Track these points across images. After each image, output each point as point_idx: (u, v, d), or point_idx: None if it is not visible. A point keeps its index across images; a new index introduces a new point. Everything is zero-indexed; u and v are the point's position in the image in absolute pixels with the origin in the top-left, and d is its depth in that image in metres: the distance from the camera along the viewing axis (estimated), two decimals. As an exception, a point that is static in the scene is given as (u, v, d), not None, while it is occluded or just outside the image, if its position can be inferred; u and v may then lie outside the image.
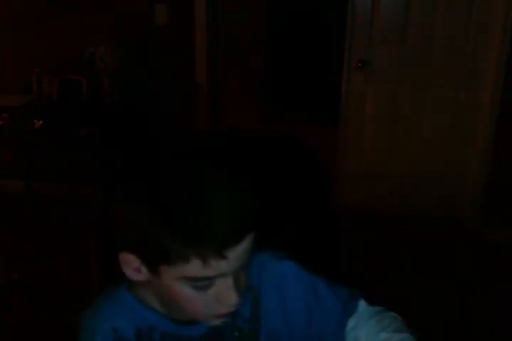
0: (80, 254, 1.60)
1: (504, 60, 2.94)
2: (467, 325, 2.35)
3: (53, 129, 3.42)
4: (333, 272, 1.06)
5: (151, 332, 0.90)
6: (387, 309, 1.01)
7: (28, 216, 3.41)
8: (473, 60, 3.08)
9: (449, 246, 3.08)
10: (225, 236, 0.76)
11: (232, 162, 0.82)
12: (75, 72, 3.31)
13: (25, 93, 3.39)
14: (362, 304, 0.99)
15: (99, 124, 3.28)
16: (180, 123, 3.40)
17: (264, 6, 4.67)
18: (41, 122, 3.38)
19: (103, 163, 3.20)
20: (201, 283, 0.79)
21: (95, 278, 1.16)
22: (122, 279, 0.90)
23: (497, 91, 3.01)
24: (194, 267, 0.76)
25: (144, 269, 0.82)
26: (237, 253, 0.77)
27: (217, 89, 3.53)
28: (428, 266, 2.84)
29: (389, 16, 3.12)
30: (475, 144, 3.20)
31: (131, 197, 0.79)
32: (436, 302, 2.51)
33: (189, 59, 3.30)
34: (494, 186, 3.15)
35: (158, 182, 0.78)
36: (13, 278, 2.68)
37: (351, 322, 0.96)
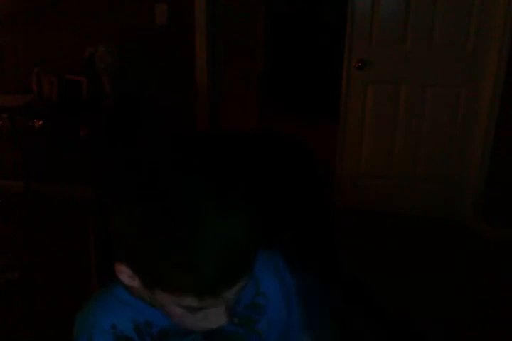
0: (79, 254, 1.60)
1: (504, 59, 2.94)
2: (467, 325, 2.35)
3: (53, 129, 3.42)
4: (331, 272, 1.06)
5: (150, 328, 0.91)
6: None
7: (28, 216, 3.41)
8: (473, 59, 3.08)
9: (449, 246, 3.08)
10: (222, 280, 0.75)
11: (230, 178, 0.80)
12: (75, 72, 3.31)
13: (25, 93, 3.39)
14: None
15: (99, 124, 3.28)
16: (180, 123, 3.40)
17: (264, 6, 4.67)
18: (41, 122, 3.37)
19: (103, 164, 3.20)
20: (193, 309, 0.79)
21: (95, 277, 1.16)
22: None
23: (497, 91, 3.00)
24: (189, 301, 0.77)
25: (137, 279, 0.82)
26: (234, 291, 0.78)
27: (217, 89, 3.53)
28: (428, 266, 2.84)
29: (389, 16, 3.12)
30: (475, 144, 3.20)
31: (130, 222, 0.77)
32: (436, 302, 2.51)
33: (189, 59, 3.30)
34: (494, 186, 3.15)
35: (156, 212, 0.75)
36: (13, 278, 2.68)
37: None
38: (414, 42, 3.12)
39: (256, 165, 1.22)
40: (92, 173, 3.12)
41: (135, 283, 0.83)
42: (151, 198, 0.76)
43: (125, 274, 0.84)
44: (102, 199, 1.12)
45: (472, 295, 2.59)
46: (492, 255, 2.97)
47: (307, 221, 1.24)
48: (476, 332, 2.31)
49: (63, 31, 3.37)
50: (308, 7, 5.61)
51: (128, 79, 3.35)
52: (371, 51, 3.17)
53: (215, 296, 0.76)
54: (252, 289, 0.97)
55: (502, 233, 3.11)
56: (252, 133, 1.27)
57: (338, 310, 1.10)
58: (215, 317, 0.82)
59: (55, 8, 3.34)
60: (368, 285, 1.35)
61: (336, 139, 3.45)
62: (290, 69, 5.68)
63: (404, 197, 3.41)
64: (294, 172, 1.25)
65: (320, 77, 5.39)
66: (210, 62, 3.34)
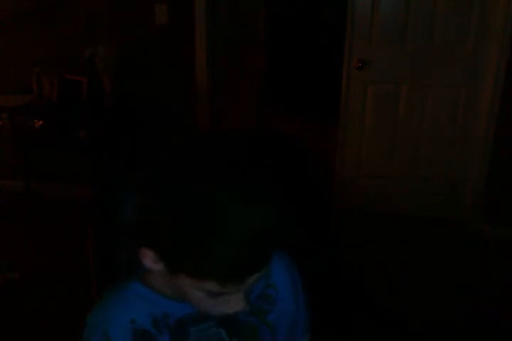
0: (79, 254, 1.60)
1: (504, 59, 2.94)
2: (467, 325, 2.35)
3: (53, 129, 3.42)
4: (332, 272, 1.06)
5: (167, 319, 0.92)
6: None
7: (28, 216, 3.41)
8: (473, 59, 3.08)
9: (449, 246, 3.08)
10: (245, 268, 0.77)
11: (252, 173, 0.81)
12: (75, 72, 3.31)
13: (25, 93, 3.39)
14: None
15: (99, 124, 3.28)
16: (180, 123, 3.40)
17: (264, 6, 4.67)
18: (41, 122, 3.37)
19: (103, 164, 3.20)
20: (214, 294, 0.81)
21: (95, 277, 1.16)
22: (120, 279, 0.90)
23: (497, 91, 3.01)
24: (212, 285, 0.78)
25: (161, 263, 0.83)
26: (255, 277, 0.80)
27: (217, 89, 3.53)
28: (428, 266, 2.84)
29: (389, 16, 3.12)
30: (475, 144, 3.20)
31: (158, 210, 0.78)
32: (436, 302, 2.51)
33: (189, 59, 3.30)
34: (494, 186, 3.15)
35: (183, 199, 0.76)
36: (13, 278, 2.68)
37: None
38: (414, 42, 3.12)
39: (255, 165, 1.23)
40: (92, 173, 3.13)
41: (158, 266, 0.84)
42: (178, 186, 0.78)
43: (148, 258, 0.84)
44: (110, 194, 1.12)
45: (472, 295, 2.59)
46: (492, 255, 2.97)
47: (307, 221, 1.24)
48: (476, 332, 2.31)
49: (63, 31, 3.37)
50: (308, 7, 5.61)
51: (128, 79, 3.35)
52: (371, 51, 3.17)
53: (237, 283, 0.78)
54: (263, 280, 0.99)
55: (502, 233, 3.11)
56: (251, 133, 1.28)
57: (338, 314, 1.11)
58: (234, 302, 0.84)
59: (55, 8, 3.34)
60: (368, 285, 1.35)
61: (336, 139, 3.45)
62: (290, 70, 5.68)
63: (404, 197, 3.41)
64: (293, 172, 1.26)
65: (320, 77, 5.39)
66: (210, 62, 3.34)
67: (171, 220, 0.76)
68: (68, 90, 3.29)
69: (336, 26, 4.36)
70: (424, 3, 3.06)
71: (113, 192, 1.11)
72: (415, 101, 3.24)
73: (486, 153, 3.14)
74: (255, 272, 0.79)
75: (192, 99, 3.38)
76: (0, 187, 3.66)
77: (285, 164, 1.23)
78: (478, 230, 3.18)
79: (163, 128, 3.40)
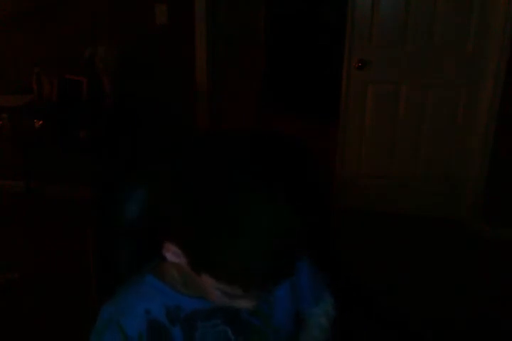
0: (79, 254, 1.60)
1: (504, 59, 2.94)
2: (467, 325, 2.35)
3: (53, 129, 3.42)
4: (332, 272, 1.06)
5: (179, 311, 0.93)
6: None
7: (28, 216, 3.41)
8: (473, 59, 3.08)
9: (449, 246, 3.08)
10: (271, 279, 0.78)
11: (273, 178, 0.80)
12: (75, 72, 3.31)
13: (25, 93, 3.39)
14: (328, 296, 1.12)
15: (99, 124, 3.28)
16: (180, 123, 3.40)
17: (264, 6, 4.67)
18: (41, 122, 3.37)
19: (103, 164, 3.20)
20: (234, 296, 0.83)
21: (95, 277, 1.16)
22: (120, 279, 0.90)
23: (497, 91, 3.01)
24: (235, 290, 0.79)
25: (183, 259, 0.83)
26: (278, 285, 0.82)
27: (217, 89, 3.53)
28: (428, 266, 2.84)
29: (389, 16, 3.12)
30: (475, 144, 3.20)
31: (190, 211, 0.78)
32: (436, 302, 2.51)
33: (189, 59, 3.30)
34: (494, 186, 3.15)
35: (214, 200, 0.76)
36: (13, 278, 2.68)
37: (318, 309, 1.10)
38: (414, 42, 3.12)
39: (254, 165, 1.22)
40: (92, 173, 3.12)
41: (179, 259, 0.84)
42: (207, 186, 0.78)
43: (171, 252, 0.85)
44: (106, 196, 1.12)
45: (472, 295, 2.58)
46: (492, 255, 2.97)
47: (306, 221, 1.24)
48: (476, 332, 2.31)
49: (63, 31, 3.37)
50: (308, 7, 5.61)
51: (128, 79, 3.35)
52: (371, 51, 3.17)
53: (262, 289, 0.80)
54: None
55: (502, 233, 3.11)
56: (251, 133, 1.27)
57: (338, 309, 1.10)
58: (247, 302, 0.85)
59: (55, 8, 3.34)
60: (367, 285, 1.35)
61: (336, 139, 3.45)
62: (290, 69, 5.68)
63: (404, 197, 3.41)
64: (293, 172, 1.25)
65: (320, 77, 5.39)
66: (210, 62, 3.34)
67: (203, 226, 0.76)
68: (68, 90, 3.29)
69: (336, 26, 4.36)
70: (424, 3, 3.06)
71: (113, 192, 1.11)
72: (415, 101, 3.24)
73: (486, 153, 3.14)
74: (282, 281, 0.79)
75: (192, 99, 3.39)
76: (0, 187, 3.66)
77: (285, 164, 1.23)
78: (478, 230, 3.18)
79: (163, 128, 3.40)
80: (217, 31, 3.39)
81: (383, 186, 3.42)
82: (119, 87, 3.30)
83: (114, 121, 3.30)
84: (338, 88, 3.35)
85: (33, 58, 3.43)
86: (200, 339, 0.94)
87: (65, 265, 2.77)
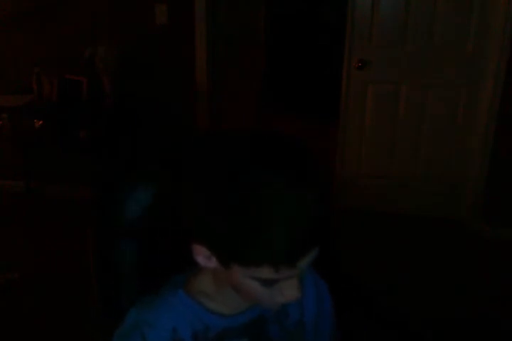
0: (79, 254, 1.60)
1: (504, 59, 2.94)
2: (467, 325, 2.35)
3: (53, 129, 3.42)
4: (332, 272, 1.06)
5: (207, 333, 0.91)
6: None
7: (28, 216, 3.42)
8: (473, 59, 3.08)
9: (449, 245, 3.08)
10: (297, 248, 0.77)
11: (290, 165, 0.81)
12: (75, 72, 3.31)
13: (25, 93, 3.39)
14: None
15: (99, 124, 3.28)
16: (180, 123, 3.40)
17: (264, 6, 4.67)
18: (41, 122, 3.38)
19: (103, 164, 3.20)
20: (269, 282, 0.81)
21: (95, 277, 1.16)
22: (120, 279, 0.90)
23: (497, 91, 3.01)
24: (266, 272, 0.78)
25: (214, 260, 0.83)
26: (307, 260, 0.80)
27: (217, 89, 3.53)
28: (428, 266, 2.84)
29: (389, 16, 3.12)
30: (475, 144, 3.20)
31: (204, 203, 0.78)
32: (436, 302, 2.51)
33: (189, 59, 3.30)
34: (494, 186, 3.15)
35: (227, 193, 0.76)
36: (13, 278, 2.68)
37: None
38: (414, 42, 3.12)
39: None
40: (92, 173, 3.12)
41: (211, 263, 0.84)
42: (224, 179, 0.77)
43: (201, 256, 0.84)
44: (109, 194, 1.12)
45: (472, 295, 2.59)
46: (492, 255, 2.97)
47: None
48: (476, 332, 2.31)
49: (63, 31, 3.37)
50: (308, 7, 5.61)
51: (128, 79, 3.35)
52: (371, 51, 3.17)
53: (290, 266, 0.78)
54: (298, 304, 1.00)
55: (502, 233, 3.11)
56: (251, 133, 1.27)
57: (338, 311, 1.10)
58: (289, 291, 0.83)
59: (55, 8, 3.34)
60: (367, 285, 1.35)
61: (336, 139, 3.45)
62: (290, 70, 5.68)
63: (404, 197, 3.41)
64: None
65: (320, 77, 5.39)
66: (210, 62, 3.34)
67: (221, 210, 0.76)
68: (68, 90, 3.29)
69: (336, 26, 4.36)
70: (424, 3, 3.06)
71: (113, 192, 1.11)
72: (415, 101, 3.24)
73: (486, 153, 3.14)
74: (307, 252, 0.78)
75: (192, 99, 3.39)
76: (0, 187, 3.66)
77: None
78: (478, 230, 3.18)
79: (163, 128, 3.40)
80: (217, 31, 3.39)
81: (383, 186, 3.42)
82: (119, 87, 3.30)
83: (114, 121, 3.30)
84: (338, 88, 3.35)
85: (33, 58, 3.43)
86: None
87: (65, 265, 2.77)
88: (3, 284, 2.64)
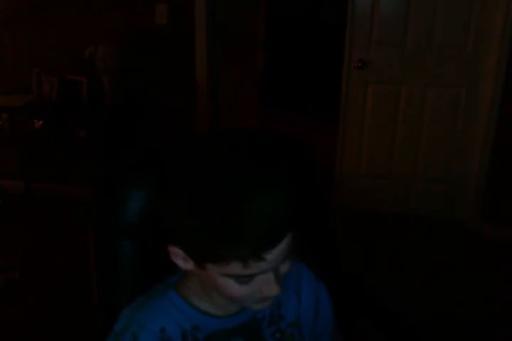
0: (79, 254, 1.60)
1: (504, 59, 2.94)
2: (467, 325, 2.35)
3: (53, 129, 3.42)
4: (332, 272, 1.06)
5: (196, 332, 0.92)
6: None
7: (28, 216, 3.41)
8: (473, 60, 3.08)
9: (449, 245, 3.08)
10: (262, 240, 0.77)
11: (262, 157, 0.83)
12: (75, 72, 3.31)
13: (25, 93, 3.39)
14: None
15: (99, 124, 3.28)
16: (181, 123, 3.40)
17: (264, 6, 4.67)
18: (41, 122, 3.38)
19: (103, 164, 3.20)
20: (243, 279, 0.82)
21: (94, 277, 1.16)
22: (120, 279, 0.90)
23: (497, 91, 3.00)
24: (235, 267, 0.79)
25: (191, 261, 0.85)
26: (276, 253, 0.80)
27: (217, 89, 3.53)
28: (428, 266, 2.84)
29: (389, 16, 3.12)
30: (475, 144, 3.20)
31: (173, 199, 0.81)
32: (436, 302, 2.51)
33: (189, 59, 3.30)
34: (494, 186, 3.15)
35: (195, 184, 0.79)
36: (13, 278, 2.68)
37: None
38: (414, 42, 3.12)
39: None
40: (92, 173, 3.12)
41: (189, 265, 0.86)
42: (194, 180, 0.80)
43: (179, 257, 0.86)
44: (104, 196, 1.12)
45: (472, 295, 2.59)
46: (492, 255, 2.97)
47: (307, 221, 1.24)
48: (476, 332, 2.31)
49: (63, 31, 3.37)
50: (309, 7, 5.61)
51: (128, 79, 3.35)
52: (371, 51, 3.17)
53: (257, 258, 0.78)
54: (294, 307, 1.00)
55: (502, 233, 3.11)
56: (251, 132, 1.27)
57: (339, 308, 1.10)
58: (265, 287, 0.84)
59: (55, 8, 3.34)
60: (367, 285, 1.35)
61: (336, 139, 3.45)
62: (290, 69, 5.68)
63: (404, 197, 3.41)
64: (293, 172, 1.25)
65: (320, 77, 5.39)
66: (210, 62, 3.34)
67: (188, 207, 0.78)
68: (68, 90, 3.29)
69: (336, 26, 4.36)
70: (424, 3, 3.06)
71: (113, 193, 1.11)
72: (415, 102, 3.24)
73: (486, 153, 3.14)
74: (273, 245, 0.79)
75: (192, 99, 3.38)
76: (0, 187, 3.66)
77: (285, 164, 1.22)
78: (478, 230, 3.18)
79: (163, 128, 3.40)
80: (217, 31, 3.39)
81: (383, 186, 3.42)
82: (118, 86, 3.30)
83: (114, 121, 3.30)
84: (338, 88, 3.35)
85: (33, 58, 3.43)
86: None
87: (65, 265, 2.77)
88: (3, 284, 2.64)
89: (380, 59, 3.18)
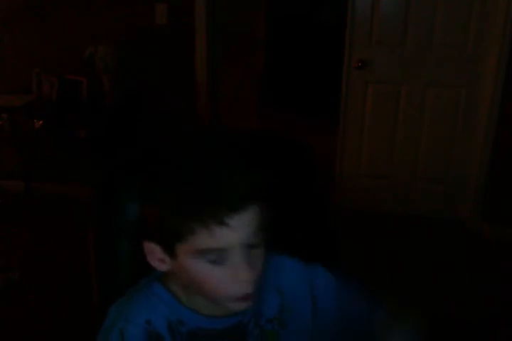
0: (79, 254, 1.60)
1: (504, 59, 2.94)
2: (467, 325, 2.35)
3: (53, 129, 3.42)
4: (332, 272, 1.06)
5: (180, 326, 0.92)
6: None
7: (28, 216, 3.41)
8: (473, 60, 3.08)
9: (449, 246, 3.08)
10: (224, 203, 0.80)
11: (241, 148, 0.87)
12: (75, 72, 3.31)
13: (25, 93, 3.39)
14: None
15: (99, 124, 3.28)
16: (181, 123, 3.40)
17: (264, 6, 4.67)
18: (41, 122, 3.38)
19: (103, 164, 3.20)
20: (212, 256, 0.83)
21: (94, 277, 1.16)
22: (120, 279, 0.91)
23: (497, 91, 3.00)
24: (201, 238, 0.81)
25: (166, 258, 0.87)
26: (240, 222, 0.81)
27: (217, 89, 3.53)
28: (428, 266, 2.84)
29: (389, 16, 3.12)
30: (475, 144, 3.20)
31: (145, 185, 0.88)
32: (436, 302, 2.51)
33: (189, 59, 3.30)
34: (494, 186, 3.15)
35: (170, 173, 0.85)
36: (13, 278, 2.68)
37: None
38: (415, 42, 3.12)
39: (254, 165, 1.22)
40: (92, 173, 3.12)
41: (165, 266, 0.89)
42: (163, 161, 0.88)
43: (154, 257, 0.89)
44: (103, 196, 1.12)
45: (472, 295, 2.58)
46: (492, 255, 2.97)
47: (306, 221, 1.24)
48: (476, 332, 2.31)
49: (63, 31, 3.37)
50: (309, 7, 5.62)
51: (128, 79, 3.35)
52: (371, 51, 3.17)
53: (220, 223, 0.80)
54: (276, 304, 0.99)
55: (502, 233, 3.11)
56: (251, 132, 1.28)
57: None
58: (237, 271, 0.84)
59: (55, 8, 3.34)
60: (367, 285, 1.35)
61: (336, 139, 3.45)
62: (290, 69, 5.68)
63: (404, 197, 3.41)
64: (294, 172, 1.25)
65: (320, 77, 5.39)
66: (210, 62, 3.34)
67: (160, 189, 0.84)
68: (68, 90, 3.29)
69: (336, 26, 4.36)
70: (424, 4, 3.06)
71: (113, 192, 1.11)
72: (415, 102, 3.24)
73: (486, 153, 3.14)
74: (234, 210, 0.80)
75: (192, 99, 3.38)
76: (0, 187, 3.66)
77: (285, 164, 1.23)
78: (478, 230, 3.18)
79: (163, 128, 3.40)
80: (217, 31, 3.39)
81: (383, 186, 3.42)
82: (119, 86, 3.30)
83: (114, 121, 3.30)
84: (338, 88, 3.35)
85: (33, 58, 3.43)
86: None
87: (65, 265, 2.77)
88: (3, 284, 2.64)
89: (380, 59, 3.18)
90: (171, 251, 0.86)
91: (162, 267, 0.90)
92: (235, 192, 0.81)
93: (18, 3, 3.37)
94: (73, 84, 3.28)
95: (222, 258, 0.83)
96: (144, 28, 3.30)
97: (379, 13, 3.11)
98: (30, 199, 3.63)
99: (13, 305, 2.50)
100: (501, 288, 2.64)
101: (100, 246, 1.14)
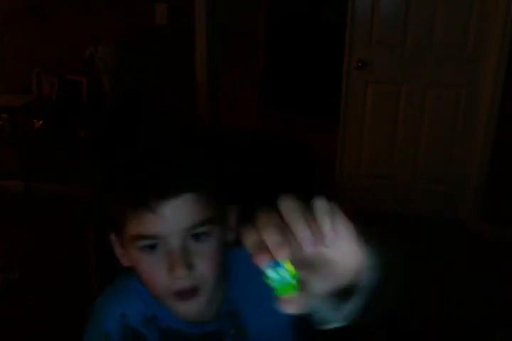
0: (79, 254, 1.60)
1: (504, 59, 2.94)
2: (467, 325, 2.35)
3: (53, 129, 3.42)
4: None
5: (154, 322, 0.92)
6: None
7: (28, 216, 3.41)
8: (473, 60, 3.08)
9: (449, 246, 3.08)
10: (154, 190, 0.79)
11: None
12: (75, 72, 3.31)
13: (25, 93, 3.39)
14: None
15: (99, 124, 3.28)
16: (181, 123, 3.40)
17: (264, 6, 4.67)
18: (41, 122, 3.38)
19: (103, 164, 3.20)
20: (144, 242, 0.81)
21: (94, 277, 1.16)
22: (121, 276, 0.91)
23: (497, 91, 3.00)
24: (132, 225, 0.81)
25: (123, 251, 0.88)
26: (174, 210, 0.80)
27: (217, 89, 3.53)
28: (428, 266, 2.83)
29: (389, 16, 3.12)
30: (475, 144, 3.20)
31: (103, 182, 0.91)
32: (436, 302, 2.51)
33: (189, 59, 3.30)
34: (494, 186, 3.15)
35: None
36: (13, 278, 2.68)
37: None
38: (415, 42, 3.12)
39: (255, 165, 1.23)
40: (92, 173, 3.12)
41: (127, 260, 0.88)
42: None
43: (118, 252, 0.90)
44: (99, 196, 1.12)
45: (472, 295, 2.58)
46: (492, 255, 2.97)
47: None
48: (476, 332, 2.30)
49: (63, 31, 3.37)
50: (309, 7, 5.62)
51: (128, 79, 3.35)
52: (371, 51, 3.17)
53: (149, 210, 0.79)
54: (242, 319, 0.94)
55: (502, 233, 3.11)
56: (251, 132, 1.28)
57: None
58: (173, 262, 0.80)
59: (55, 8, 3.34)
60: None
61: (336, 139, 3.45)
62: (290, 70, 5.68)
63: (405, 197, 3.41)
64: (294, 171, 1.25)
65: (320, 77, 5.39)
66: (210, 62, 3.34)
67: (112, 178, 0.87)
68: (68, 90, 3.29)
69: (336, 26, 4.36)
70: (424, 4, 3.06)
71: (112, 192, 1.11)
72: (415, 102, 3.24)
73: (486, 153, 3.14)
74: (163, 195, 0.79)
75: (192, 99, 3.39)
76: (0, 187, 3.66)
77: (285, 164, 1.23)
78: (478, 230, 3.18)
79: (163, 128, 3.40)
80: (217, 31, 3.39)
81: (383, 186, 3.42)
82: (119, 86, 3.30)
83: (114, 121, 3.30)
84: (338, 88, 3.35)
85: (33, 58, 3.43)
86: None
87: (65, 265, 2.77)
88: (3, 284, 2.64)
89: (380, 59, 3.18)
90: (121, 241, 0.87)
91: (124, 261, 0.89)
92: (166, 180, 0.80)
93: (18, 3, 3.37)
94: (73, 84, 3.28)
95: (155, 245, 0.81)
96: (144, 28, 3.30)
97: (379, 13, 3.11)
98: (30, 199, 3.63)
99: (13, 305, 2.50)
100: (501, 288, 2.64)
101: (100, 246, 1.14)
